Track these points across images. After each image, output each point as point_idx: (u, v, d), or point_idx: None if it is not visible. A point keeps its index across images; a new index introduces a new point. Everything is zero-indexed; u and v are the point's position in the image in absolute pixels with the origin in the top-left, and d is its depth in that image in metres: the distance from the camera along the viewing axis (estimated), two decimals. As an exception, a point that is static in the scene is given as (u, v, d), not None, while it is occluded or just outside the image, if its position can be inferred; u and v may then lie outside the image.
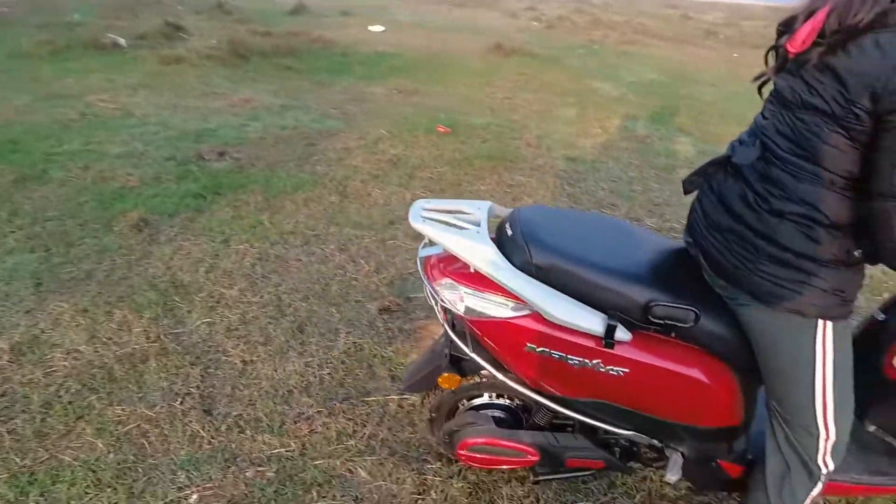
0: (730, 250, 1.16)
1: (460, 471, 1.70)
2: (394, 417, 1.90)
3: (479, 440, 1.46)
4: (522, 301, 1.24)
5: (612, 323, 1.20)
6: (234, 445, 1.78)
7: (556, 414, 1.48)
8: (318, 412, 1.90)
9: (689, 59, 10.89)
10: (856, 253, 1.07)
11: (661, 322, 1.20)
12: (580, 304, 1.23)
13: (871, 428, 1.58)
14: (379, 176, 3.91)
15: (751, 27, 19.17)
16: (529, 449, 1.47)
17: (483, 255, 1.23)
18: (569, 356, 1.26)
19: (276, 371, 2.07)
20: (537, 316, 1.25)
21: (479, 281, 1.28)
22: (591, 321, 1.22)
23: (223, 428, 1.83)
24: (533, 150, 4.69)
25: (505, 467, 1.61)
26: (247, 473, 1.68)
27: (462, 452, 1.49)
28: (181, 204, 3.28)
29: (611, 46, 11.96)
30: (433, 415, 1.62)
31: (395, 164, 4.16)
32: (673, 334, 1.24)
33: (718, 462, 1.46)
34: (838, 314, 1.12)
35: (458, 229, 1.27)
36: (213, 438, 1.80)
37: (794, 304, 1.10)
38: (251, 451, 1.76)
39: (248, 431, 1.82)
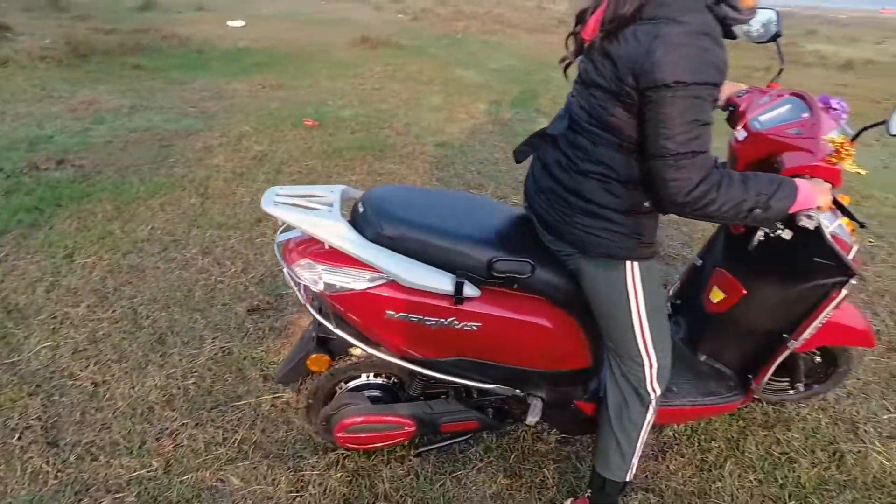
0: (552, 208, 1.31)
1: (338, 460, 1.70)
2: (267, 418, 1.84)
3: (357, 419, 1.48)
4: (377, 271, 1.30)
5: (460, 281, 1.30)
6: (86, 475, 1.62)
7: (428, 383, 1.55)
8: (184, 425, 1.78)
9: (545, 47, 11.54)
10: (646, 203, 1.23)
11: (504, 276, 1.31)
12: (430, 267, 1.31)
13: (703, 357, 1.85)
14: (244, 174, 3.73)
15: None
16: (406, 420, 1.52)
17: (335, 231, 1.28)
18: (426, 318, 1.34)
19: (133, 389, 1.91)
20: (393, 284, 1.32)
21: (335, 257, 1.32)
22: (441, 281, 1.30)
23: (72, 458, 1.66)
24: (402, 138, 4.73)
25: (385, 445, 1.62)
26: (103, 503, 1.55)
27: (340, 435, 1.50)
28: (12, 220, 2.90)
29: (473, 36, 12.36)
30: (310, 402, 1.59)
31: (261, 160, 3.99)
32: (515, 286, 1.34)
33: (575, 403, 1.59)
34: (641, 255, 1.29)
35: (310, 210, 1.29)
36: (59, 472, 1.62)
37: (604, 248, 1.27)
38: (107, 478, 1.62)
39: (101, 458, 1.67)
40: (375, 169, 4.01)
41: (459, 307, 1.33)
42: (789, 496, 1.72)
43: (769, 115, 1.52)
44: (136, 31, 8.27)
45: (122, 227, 2.94)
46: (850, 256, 1.48)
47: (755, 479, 1.77)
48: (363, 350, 1.45)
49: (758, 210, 1.15)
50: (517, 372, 1.49)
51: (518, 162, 1.44)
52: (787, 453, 1.86)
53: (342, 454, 1.71)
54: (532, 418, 1.52)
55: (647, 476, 1.76)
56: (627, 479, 1.49)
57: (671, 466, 1.80)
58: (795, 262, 1.55)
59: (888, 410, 2.08)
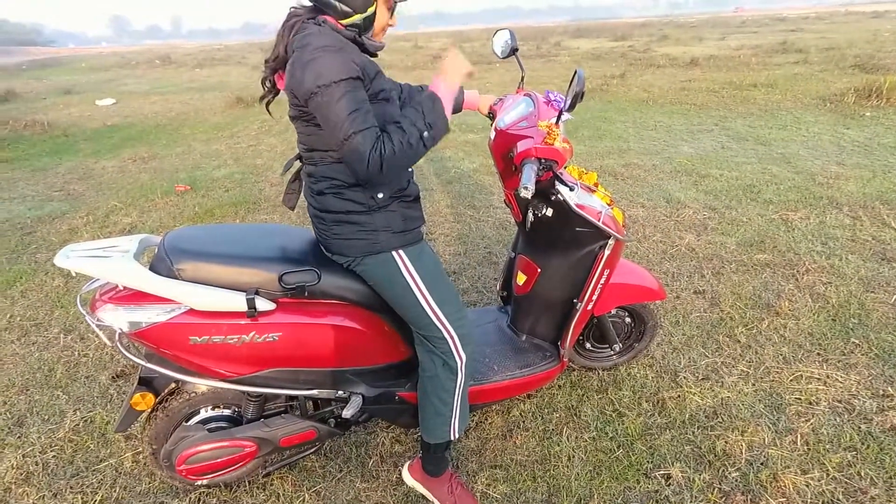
0: (318, 228, 1.48)
1: (199, 498, 1.74)
2: (129, 474, 1.85)
3: (195, 450, 1.53)
4: (175, 302, 1.38)
5: (251, 297, 1.39)
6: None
7: (262, 404, 1.64)
8: (41, 498, 1.76)
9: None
10: (379, 196, 1.39)
11: (293, 287, 1.43)
12: (220, 289, 1.39)
13: (524, 337, 2.07)
14: (112, 248, 3.68)
15: (470, 48, 21.85)
16: (244, 442, 1.58)
17: (125, 271, 1.35)
18: (227, 336, 1.42)
19: (-15, 476, 1.86)
20: (191, 311, 1.40)
21: (135, 298, 1.38)
22: (233, 300, 1.39)
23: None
24: (276, 189, 4.83)
25: (231, 470, 1.66)
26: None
27: (182, 468, 1.54)
28: None
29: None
30: (154, 447, 1.62)
31: (130, 232, 3.95)
32: (306, 294, 1.46)
33: (400, 395, 1.71)
34: (403, 242, 1.45)
35: (103, 258, 1.36)
36: None
37: (364, 248, 1.43)
38: (-43, 568, 1.57)
39: (-49, 550, 1.62)
40: (248, 221, 4.08)
41: (256, 321, 1.43)
42: (618, 446, 1.91)
43: (509, 115, 1.75)
44: (-7, 123, 7.86)
45: (-25, 322, 2.83)
46: (601, 221, 1.72)
47: (589, 437, 1.96)
48: (183, 379, 1.50)
49: (427, 132, 1.28)
50: (330, 374, 1.59)
51: (291, 209, 1.59)
52: (617, 410, 2.07)
53: (203, 492, 1.75)
54: (347, 412, 1.61)
55: (494, 455, 1.91)
56: (451, 438, 1.63)
57: (517, 441, 1.95)
58: (564, 234, 1.78)
59: (706, 356, 2.37)
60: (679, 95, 8.33)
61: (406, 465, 1.78)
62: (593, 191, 1.79)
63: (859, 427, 1.93)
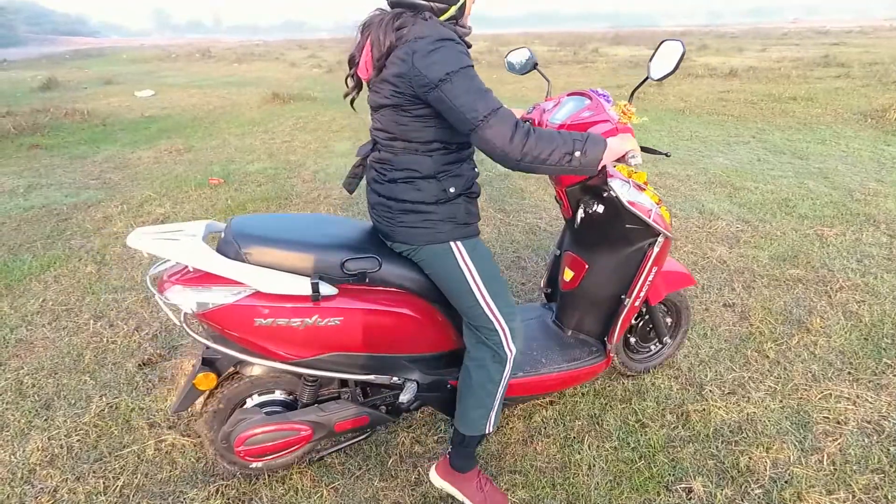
0: (382, 217, 1.52)
1: (219, 489, 1.76)
2: (150, 462, 1.88)
3: (253, 432, 1.57)
4: (241, 285, 1.44)
5: (315, 281, 1.45)
6: (-40, 546, 1.61)
7: (317, 389, 1.68)
8: (64, 480, 1.80)
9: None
10: (451, 190, 1.46)
11: (355, 273, 1.48)
12: (286, 273, 1.45)
13: (570, 332, 2.10)
14: (143, 237, 3.77)
15: (507, 52, 21.94)
16: (301, 426, 1.61)
17: (196, 253, 1.41)
18: (291, 319, 1.47)
19: (13, 455, 1.91)
20: (257, 294, 1.45)
21: (203, 279, 1.44)
22: (298, 284, 1.45)
23: (-54, 532, 1.66)
24: (308, 185, 4.89)
25: (287, 453, 1.69)
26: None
27: (240, 449, 1.58)
28: None
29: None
30: (209, 430, 1.67)
31: (163, 222, 4.04)
32: (367, 281, 1.51)
33: (451, 383, 1.74)
34: (462, 235, 1.51)
35: (173, 241, 1.42)
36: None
37: (427, 237, 1.48)
38: (-17, 544, 1.62)
39: (-22, 526, 1.67)
40: (284, 216, 4.14)
41: (319, 305, 1.48)
42: (640, 457, 1.89)
43: (561, 113, 1.81)
44: (35, 111, 8.16)
45: (12, 303, 2.91)
46: (651, 218, 1.76)
47: (610, 446, 1.94)
48: (246, 360, 1.55)
49: (577, 153, 1.35)
50: (387, 360, 1.63)
51: (350, 192, 1.65)
52: (640, 420, 2.06)
53: (222, 484, 1.77)
54: (404, 397, 1.66)
55: (514, 460, 1.90)
56: (487, 432, 1.65)
57: (538, 448, 1.94)
58: (614, 231, 1.82)
59: (733, 370, 2.33)
60: (716, 106, 8.17)
61: (433, 468, 1.77)
62: (643, 189, 1.81)
63: (888, 449, 1.89)
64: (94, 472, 1.84)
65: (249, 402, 1.69)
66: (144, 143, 6.68)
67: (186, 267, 1.46)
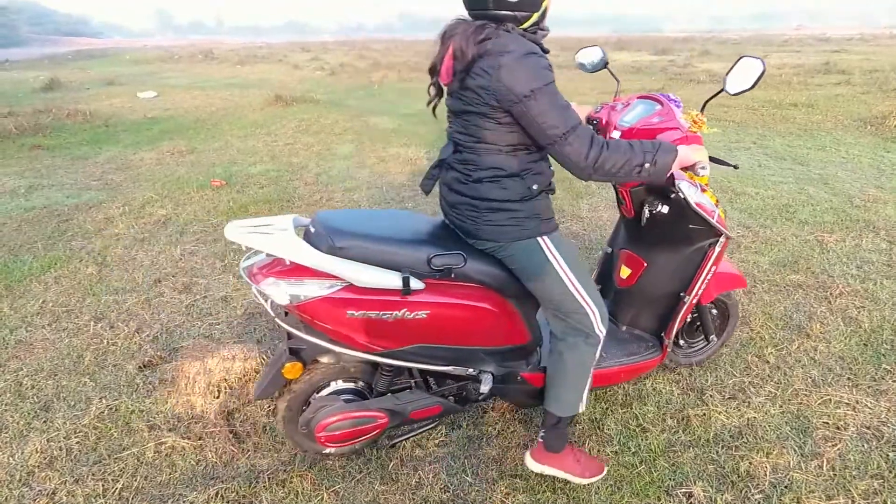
0: (465, 216, 1.58)
1: (219, 493, 1.76)
2: (150, 464, 1.88)
3: (334, 418, 1.63)
4: (335, 278, 1.50)
5: (406, 276, 1.51)
6: (-42, 548, 1.61)
7: (392, 379, 1.75)
8: (63, 483, 1.80)
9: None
10: (534, 187, 1.53)
11: (441, 268, 1.54)
12: (379, 268, 1.51)
13: (624, 328, 2.16)
14: (145, 239, 3.77)
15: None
16: (378, 413, 1.68)
17: (294, 248, 1.48)
18: (382, 312, 1.53)
19: (11, 457, 1.91)
20: (349, 287, 1.51)
21: (296, 272, 1.50)
22: (390, 279, 1.51)
23: (-57, 534, 1.65)
24: (311, 188, 4.90)
25: (364, 439, 1.76)
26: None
27: (321, 435, 1.64)
28: None
29: (390, 85, 12.86)
30: (286, 416, 1.73)
31: (164, 224, 4.04)
32: (453, 276, 1.56)
33: (522, 375, 1.80)
34: (547, 229, 1.58)
35: (269, 235, 1.49)
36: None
37: (515, 234, 1.55)
38: (-19, 546, 1.62)
39: (-24, 528, 1.67)
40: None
41: (408, 299, 1.54)
42: (640, 461, 1.90)
43: (631, 115, 1.86)
44: (37, 111, 8.17)
45: (11, 304, 2.92)
46: (715, 219, 1.82)
47: (611, 451, 1.94)
48: (333, 350, 1.60)
49: (647, 164, 1.42)
50: (466, 352, 1.71)
51: (427, 193, 1.68)
52: (641, 425, 2.06)
53: (222, 487, 1.77)
54: (484, 387, 1.75)
55: (515, 464, 1.90)
56: (580, 411, 1.74)
57: None
58: (677, 231, 1.89)
59: (734, 375, 2.33)
60: (717, 112, 8.17)
61: (527, 456, 1.82)
62: (705, 191, 1.85)
63: (887, 455, 1.90)
64: (93, 474, 1.84)
65: (325, 391, 1.76)
66: (146, 144, 6.68)
67: (277, 260, 1.52)
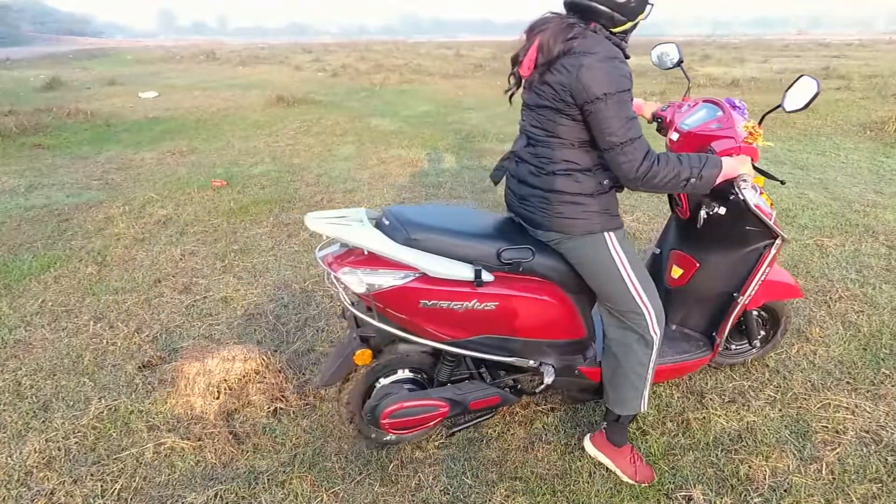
0: (536, 208, 1.62)
1: (217, 494, 1.76)
2: (149, 465, 1.88)
3: (398, 406, 1.68)
4: (409, 268, 1.56)
5: (478, 268, 1.57)
6: (-44, 547, 1.61)
7: (453, 370, 1.81)
8: (61, 483, 1.80)
9: (459, 91, 12.16)
10: (605, 182, 1.57)
11: (511, 262, 1.59)
12: (452, 260, 1.57)
13: (674, 327, 2.18)
14: (145, 239, 3.77)
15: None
16: (439, 402, 1.73)
17: (374, 239, 1.54)
18: (453, 303, 1.59)
19: (9, 457, 1.91)
20: (423, 277, 1.57)
21: (371, 262, 1.57)
22: (464, 271, 1.57)
23: (-59, 533, 1.65)
24: (312, 189, 4.90)
25: (425, 427, 1.80)
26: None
27: (385, 422, 1.69)
28: None
29: (391, 87, 12.87)
30: (349, 404, 1.81)
31: (165, 224, 4.04)
32: (521, 269, 1.62)
33: (579, 369, 1.84)
34: (614, 226, 1.62)
35: (348, 226, 1.57)
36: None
37: (586, 227, 1.58)
38: (-21, 546, 1.61)
39: (-26, 528, 1.66)
40: (282, 220, 4.14)
41: (479, 291, 1.60)
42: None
43: (692, 119, 1.91)
44: (38, 110, 8.19)
45: (11, 303, 2.92)
46: (772, 221, 1.86)
47: None
48: (403, 338, 1.67)
49: (693, 179, 1.49)
50: (530, 344, 1.76)
51: (496, 183, 1.75)
52: (641, 428, 2.06)
53: (221, 488, 1.77)
54: (547, 379, 1.79)
55: (515, 466, 1.90)
56: (641, 411, 1.76)
57: (538, 454, 1.95)
58: (733, 232, 1.92)
59: (734, 379, 2.32)
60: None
61: (587, 437, 1.89)
62: (762, 193, 1.87)
63: (886, 459, 1.90)
64: (91, 474, 1.84)
65: (387, 379, 1.82)
66: (147, 144, 6.69)
67: (351, 250, 1.61)
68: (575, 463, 1.91)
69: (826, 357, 2.46)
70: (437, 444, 2.00)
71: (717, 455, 1.93)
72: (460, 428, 1.94)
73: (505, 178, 1.77)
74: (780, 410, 2.14)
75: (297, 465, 1.89)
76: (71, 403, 2.17)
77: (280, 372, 2.26)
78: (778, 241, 1.94)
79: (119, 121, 8.10)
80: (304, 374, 2.36)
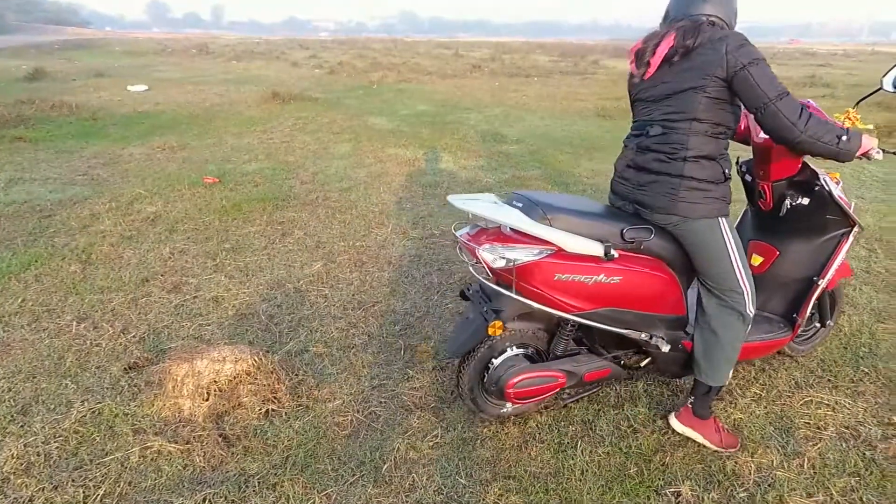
0: (659, 193, 1.75)
1: (206, 498, 1.69)
2: (135, 469, 1.79)
3: (522, 376, 1.82)
4: (545, 244, 1.70)
5: (608, 245, 1.72)
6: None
7: (567, 344, 1.94)
8: (41, 490, 1.71)
9: (457, 91, 12.14)
10: (726, 171, 1.74)
11: (633, 241, 1.76)
12: (584, 237, 1.71)
13: (755, 310, 2.17)
14: (132, 236, 3.67)
15: (510, 60, 22.07)
16: (558, 373, 1.88)
17: (515, 217, 1.70)
18: (584, 276, 1.73)
19: (-14, 463, 1.82)
20: (558, 253, 1.71)
21: (508, 239, 1.72)
22: (596, 247, 1.72)
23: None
24: (307, 187, 4.82)
25: (544, 397, 1.93)
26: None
27: (510, 391, 1.81)
28: None
29: (389, 85, 12.80)
30: (468, 380, 1.92)
31: (153, 221, 3.94)
32: (642, 246, 1.77)
33: (683, 343, 1.95)
34: (726, 213, 1.77)
35: (494, 204, 1.77)
36: None
37: (706, 211, 1.72)
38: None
39: (-54, 538, 1.57)
40: (276, 218, 4.06)
41: (606, 265, 1.74)
42: (632, 462, 1.89)
43: None
44: (20, 101, 7.96)
45: (-10, 302, 2.80)
46: (851, 210, 2.01)
47: (603, 451, 1.93)
48: (536, 310, 1.79)
49: (844, 138, 1.62)
50: (645, 317, 1.88)
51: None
52: (632, 426, 2.05)
53: (210, 493, 1.70)
54: (664, 347, 1.91)
55: (509, 465, 1.87)
56: (727, 382, 1.91)
57: (532, 453, 1.92)
58: (815, 221, 2.06)
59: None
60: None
61: (672, 416, 1.99)
62: (839, 184, 2.02)
63: (864, 454, 1.95)
64: (73, 480, 1.75)
65: (501, 357, 1.93)
66: (136, 139, 6.56)
67: (483, 230, 1.78)
68: (568, 461, 1.89)
69: (809, 356, 2.49)
70: (431, 444, 1.96)
71: (705, 452, 1.94)
72: (571, 399, 2.11)
73: (616, 172, 1.92)
74: (766, 408, 2.17)
75: (288, 467, 1.83)
76: (52, 407, 2.08)
77: (272, 373, 2.18)
78: (856, 229, 2.08)
79: (106, 114, 7.94)
80: (297, 374, 2.29)
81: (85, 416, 2.03)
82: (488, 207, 1.72)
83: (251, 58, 21.66)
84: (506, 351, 1.94)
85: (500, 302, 1.82)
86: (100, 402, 2.09)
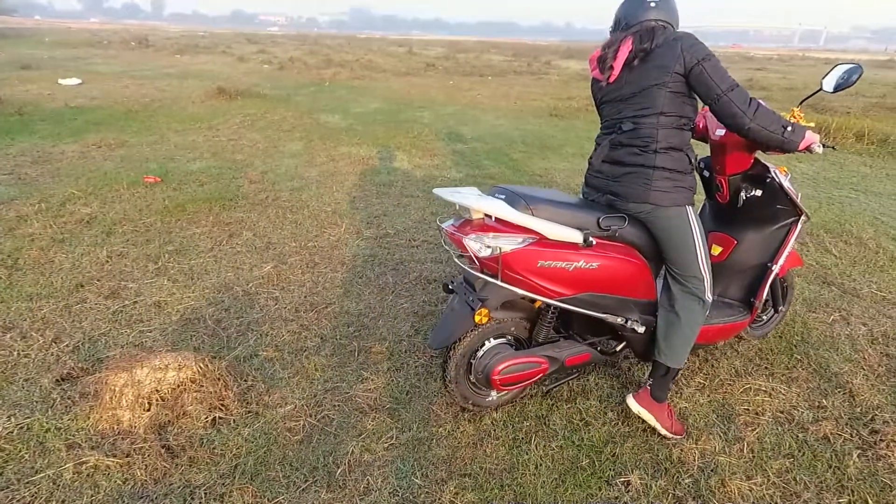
0: (634, 183, 1.84)
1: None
2: (69, 487, 1.69)
3: (507, 363, 1.88)
4: (528, 233, 1.78)
5: (586, 232, 1.81)
6: None
7: (548, 331, 2.02)
8: (-39, 515, 1.58)
9: (412, 89, 12.08)
10: (693, 161, 1.86)
11: (608, 228, 1.85)
12: (564, 226, 1.80)
13: (715, 297, 2.36)
14: (65, 239, 3.45)
15: (464, 59, 22.19)
16: (541, 359, 1.95)
17: (499, 208, 1.76)
18: (565, 262, 1.81)
19: None
20: (540, 241, 1.78)
21: (490, 229, 1.79)
22: (575, 235, 1.81)
23: None
24: (256, 186, 4.67)
25: (528, 383, 1.99)
26: None
27: (496, 378, 1.87)
28: None
29: (341, 83, 12.61)
30: (455, 371, 1.97)
31: (89, 223, 3.72)
32: (617, 234, 1.86)
33: (654, 326, 2.02)
34: (693, 202, 1.88)
35: (478, 196, 1.82)
36: None
37: (675, 199, 1.82)
38: None
39: None
40: (223, 219, 3.91)
41: (584, 252, 1.82)
42: (584, 454, 1.94)
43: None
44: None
45: None
46: (798, 200, 2.16)
47: (556, 445, 1.97)
48: (519, 297, 1.86)
49: (789, 128, 1.75)
50: (622, 301, 1.96)
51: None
52: (584, 419, 2.10)
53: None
54: (640, 328, 2.00)
55: (464, 463, 1.88)
56: (683, 365, 1.98)
57: (487, 450, 1.94)
58: (767, 211, 2.22)
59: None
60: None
61: (630, 396, 2.04)
62: (787, 176, 2.18)
63: (797, 436, 2.05)
64: (-2, 503, 1.63)
65: (484, 347, 2.00)
66: (69, 135, 6.18)
67: (467, 221, 1.84)
68: (522, 456, 1.92)
69: (748, 346, 2.62)
70: (386, 445, 1.94)
71: (653, 441, 2.00)
72: (553, 386, 2.18)
73: (590, 167, 2.01)
74: (709, 396, 2.26)
75: (237, 476, 1.77)
76: (-27, 425, 1.93)
77: (219, 379, 2.10)
78: (803, 218, 2.23)
79: (34, 109, 7.46)
80: (246, 380, 2.21)
81: (12, 432, 1.89)
82: (474, 198, 1.79)
83: (195, 51, 20.87)
84: (490, 341, 2.01)
85: (486, 290, 1.88)
86: (28, 417, 1.96)
